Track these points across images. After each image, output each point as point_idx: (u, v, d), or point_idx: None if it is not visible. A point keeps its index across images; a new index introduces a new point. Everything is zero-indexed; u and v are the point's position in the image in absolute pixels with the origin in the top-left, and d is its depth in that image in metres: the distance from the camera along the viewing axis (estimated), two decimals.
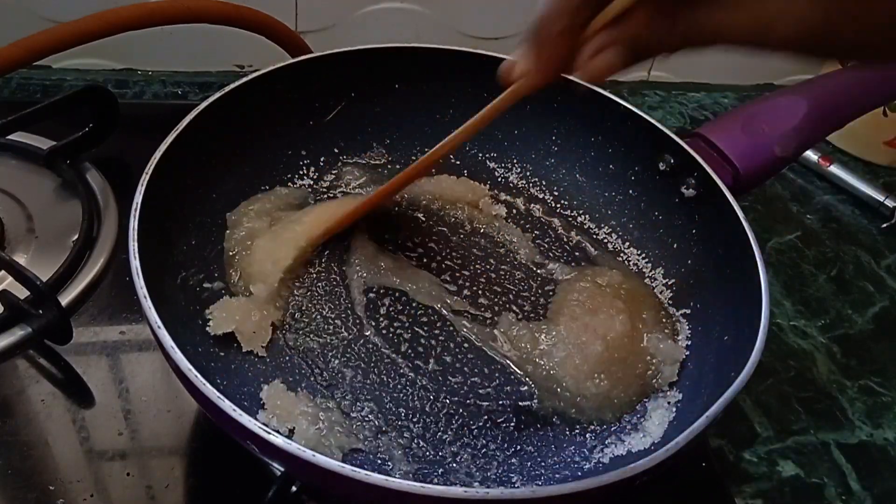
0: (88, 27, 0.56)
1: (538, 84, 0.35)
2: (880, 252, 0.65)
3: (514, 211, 0.55)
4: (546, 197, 0.56)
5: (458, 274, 0.50)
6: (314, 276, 0.48)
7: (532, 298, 0.49)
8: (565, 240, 0.54)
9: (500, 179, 0.57)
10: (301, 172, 0.54)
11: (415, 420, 0.42)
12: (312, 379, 0.43)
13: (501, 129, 0.57)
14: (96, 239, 0.52)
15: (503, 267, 0.51)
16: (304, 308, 0.47)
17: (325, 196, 0.54)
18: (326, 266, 0.49)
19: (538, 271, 0.51)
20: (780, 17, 0.28)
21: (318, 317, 0.46)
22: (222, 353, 0.43)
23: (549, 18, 0.32)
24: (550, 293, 0.49)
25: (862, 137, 0.73)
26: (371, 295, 0.48)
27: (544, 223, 0.55)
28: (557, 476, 0.40)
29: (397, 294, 0.48)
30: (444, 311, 0.47)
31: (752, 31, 0.29)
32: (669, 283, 0.50)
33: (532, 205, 0.56)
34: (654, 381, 0.44)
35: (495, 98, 0.40)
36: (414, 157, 0.57)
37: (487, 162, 0.58)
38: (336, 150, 0.56)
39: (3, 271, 0.47)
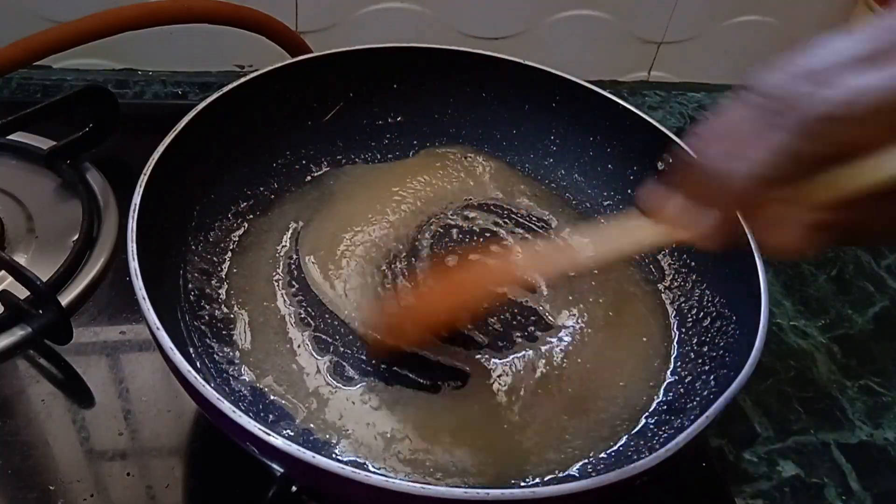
0: (88, 27, 0.56)
1: (702, 245, 0.30)
2: (880, 252, 0.64)
3: (511, 210, 0.55)
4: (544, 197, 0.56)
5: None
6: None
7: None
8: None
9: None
10: (300, 172, 0.54)
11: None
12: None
13: (499, 127, 0.57)
14: (96, 239, 0.52)
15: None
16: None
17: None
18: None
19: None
20: None
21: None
22: (222, 354, 0.43)
23: (742, 174, 0.25)
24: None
25: None
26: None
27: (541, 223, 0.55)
28: None
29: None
30: None
31: None
32: (667, 282, 0.50)
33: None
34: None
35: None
36: (412, 156, 0.57)
37: (485, 161, 0.58)
38: (335, 150, 0.56)
39: (3, 271, 0.47)
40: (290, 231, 0.51)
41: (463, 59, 0.55)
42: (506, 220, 0.54)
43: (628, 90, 0.78)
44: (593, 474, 0.39)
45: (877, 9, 0.69)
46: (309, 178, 0.54)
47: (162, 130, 0.44)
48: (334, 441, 0.40)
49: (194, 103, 0.46)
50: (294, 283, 0.48)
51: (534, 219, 0.54)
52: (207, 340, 0.43)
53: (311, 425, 0.41)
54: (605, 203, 0.55)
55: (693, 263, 0.50)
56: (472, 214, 0.54)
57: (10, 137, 0.56)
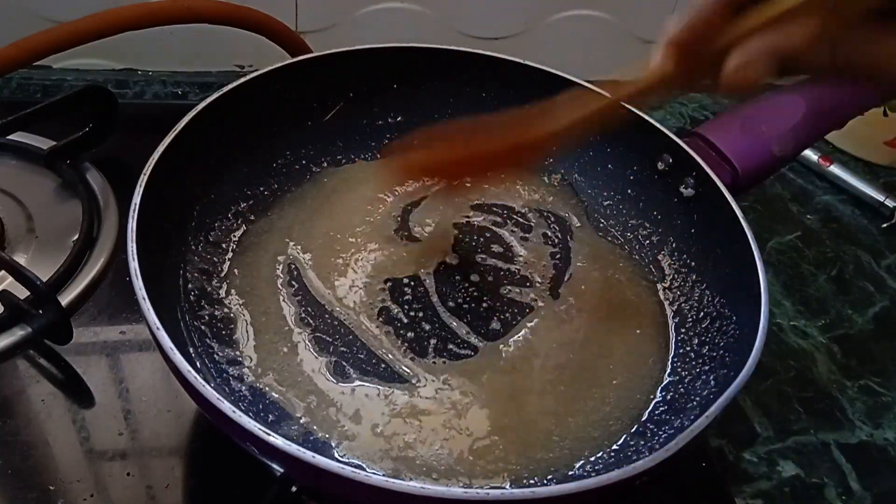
0: (88, 27, 0.56)
1: (673, 80, 0.32)
2: (880, 252, 0.65)
3: (511, 210, 0.55)
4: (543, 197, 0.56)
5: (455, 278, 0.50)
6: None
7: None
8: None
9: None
10: (299, 172, 0.54)
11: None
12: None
13: None
14: (96, 239, 0.52)
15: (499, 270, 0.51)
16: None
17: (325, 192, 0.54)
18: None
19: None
20: None
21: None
22: (222, 354, 0.43)
23: (699, 9, 0.30)
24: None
25: (862, 137, 0.73)
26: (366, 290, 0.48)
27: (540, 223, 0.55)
28: None
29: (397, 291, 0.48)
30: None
31: None
32: (667, 283, 0.50)
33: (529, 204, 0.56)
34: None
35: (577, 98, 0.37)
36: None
37: None
38: (334, 150, 0.56)
39: (3, 271, 0.47)
40: (290, 231, 0.51)
41: (463, 59, 0.55)
42: (506, 219, 0.54)
43: None
44: (593, 474, 0.39)
45: None
46: (309, 177, 0.54)
47: (162, 130, 0.44)
48: (334, 441, 0.40)
49: (194, 103, 0.46)
50: (294, 282, 0.48)
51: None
52: (207, 340, 0.43)
53: (312, 425, 0.41)
54: (605, 203, 0.55)
55: (693, 263, 0.50)
56: (471, 213, 0.54)
57: (10, 137, 0.56)
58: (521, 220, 0.54)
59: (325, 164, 0.55)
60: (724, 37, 0.30)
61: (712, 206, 0.47)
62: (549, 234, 0.53)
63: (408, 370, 0.44)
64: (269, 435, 0.32)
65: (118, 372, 0.46)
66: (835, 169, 0.70)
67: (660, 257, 0.52)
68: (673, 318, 0.48)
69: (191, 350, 0.42)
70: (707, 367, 0.44)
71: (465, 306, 0.48)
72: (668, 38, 0.31)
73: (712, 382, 0.42)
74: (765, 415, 0.51)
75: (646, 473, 0.33)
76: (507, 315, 0.48)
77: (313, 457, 0.31)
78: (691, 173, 0.49)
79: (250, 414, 0.34)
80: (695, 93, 0.31)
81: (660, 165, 0.51)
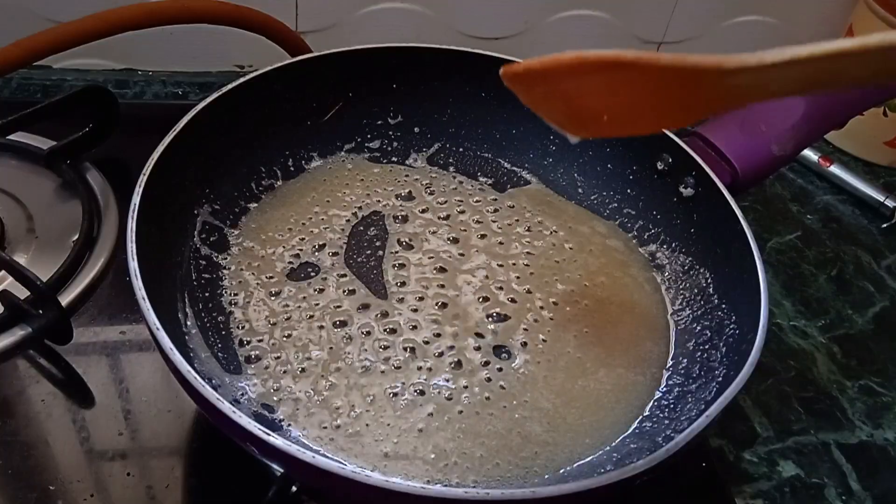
0: (88, 27, 0.56)
1: None
2: (880, 252, 0.65)
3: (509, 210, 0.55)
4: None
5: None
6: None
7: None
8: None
9: (496, 178, 0.57)
10: (299, 172, 0.54)
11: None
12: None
13: (499, 127, 0.57)
14: (96, 239, 0.52)
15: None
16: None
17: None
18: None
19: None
20: None
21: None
22: (221, 354, 0.43)
23: None
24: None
25: (862, 137, 0.73)
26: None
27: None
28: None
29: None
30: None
31: None
32: (667, 282, 0.50)
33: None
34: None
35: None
36: (411, 156, 0.57)
37: (484, 161, 0.57)
38: (334, 150, 0.56)
39: (3, 271, 0.47)
40: (289, 231, 0.51)
41: (463, 59, 0.55)
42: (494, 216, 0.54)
43: None
44: (593, 474, 0.39)
45: (877, 9, 0.69)
46: (309, 177, 0.54)
47: (162, 130, 0.44)
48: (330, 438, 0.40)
49: (194, 103, 0.46)
50: (294, 283, 0.48)
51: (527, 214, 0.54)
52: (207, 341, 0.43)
53: (308, 423, 0.41)
54: (606, 203, 0.55)
55: (693, 263, 0.50)
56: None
57: (10, 137, 0.56)
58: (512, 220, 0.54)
59: (325, 164, 0.55)
60: None
61: (712, 205, 0.47)
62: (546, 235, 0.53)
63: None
64: (268, 435, 0.32)
65: (118, 372, 0.46)
66: (835, 169, 0.70)
67: (659, 257, 0.52)
68: (672, 317, 0.48)
69: (190, 350, 0.42)
70: (707, 368, 0.44)
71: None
72: None
73: (712, 382, 0.42)
74: (765, 415, 0.51)
75: (645, 473, 0.33)
76: (503, 315, 0.48)
77: (313, 457, 0.31)
78: (691, 173, 0.49)
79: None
80: None
81: (659, 165, 0.51)
